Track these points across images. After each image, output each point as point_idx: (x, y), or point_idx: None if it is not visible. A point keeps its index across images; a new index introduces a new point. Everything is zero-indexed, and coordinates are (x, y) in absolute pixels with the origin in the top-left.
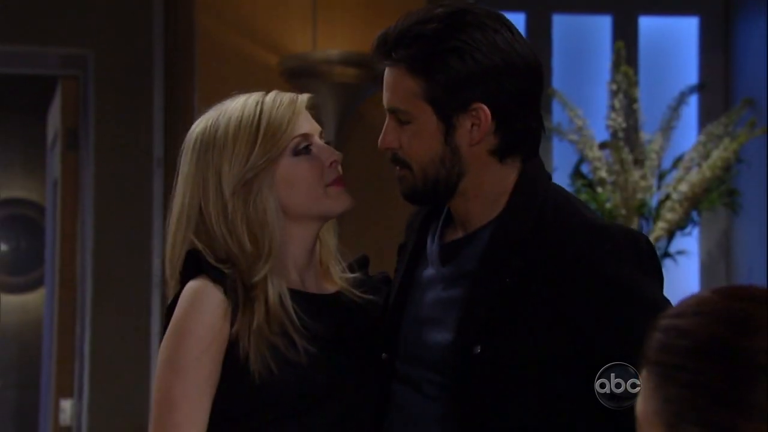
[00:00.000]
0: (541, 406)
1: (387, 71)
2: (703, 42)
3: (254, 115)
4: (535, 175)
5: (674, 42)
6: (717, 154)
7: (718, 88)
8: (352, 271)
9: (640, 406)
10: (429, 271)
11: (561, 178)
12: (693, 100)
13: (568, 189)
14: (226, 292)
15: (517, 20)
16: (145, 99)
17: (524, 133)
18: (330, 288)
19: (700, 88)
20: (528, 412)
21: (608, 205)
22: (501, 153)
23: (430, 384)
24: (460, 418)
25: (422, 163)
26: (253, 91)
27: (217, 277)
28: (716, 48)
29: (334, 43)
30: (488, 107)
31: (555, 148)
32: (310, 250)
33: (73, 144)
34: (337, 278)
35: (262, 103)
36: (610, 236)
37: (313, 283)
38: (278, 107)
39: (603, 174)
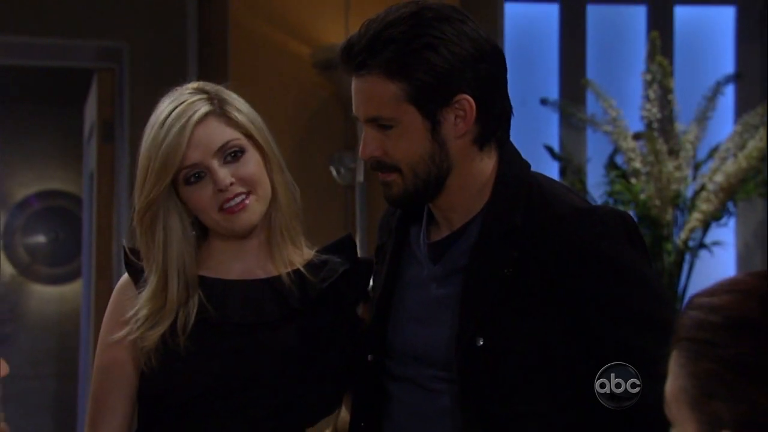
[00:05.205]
0: (546, 392)
1: (360, 82)
2: (740, 32)
3: (150, 144)
4: (514, 162)
5: (710, 32)
6: (753, 145)
7: (754, 78)
8: (326, 252)
9: (669, 384)
10: (418, 271)
11: (595, 168)
12: (729, 90)
13: (603, 180)
14: (137, 284)
15: (551, 11)
16: None
17: (501, 116)
18: (272, 271)
19: (737, 78)
20: (534, 399)
21: (642, 196)
22: (482, 140)
23: (434, 379)
24: (468, 410)
25: (411, 163)
26: (285, 82)
27: (132, 272)
28: (753, 38)
29: None
30: (471, 96)
31: (589, 138)
32: (241, 243)
33: (108, 136)
34: (283, 261)
35: (161, 127)
36: (600, 218)
37: (243, 269)
38: (167, 138)
39: (637, 165)
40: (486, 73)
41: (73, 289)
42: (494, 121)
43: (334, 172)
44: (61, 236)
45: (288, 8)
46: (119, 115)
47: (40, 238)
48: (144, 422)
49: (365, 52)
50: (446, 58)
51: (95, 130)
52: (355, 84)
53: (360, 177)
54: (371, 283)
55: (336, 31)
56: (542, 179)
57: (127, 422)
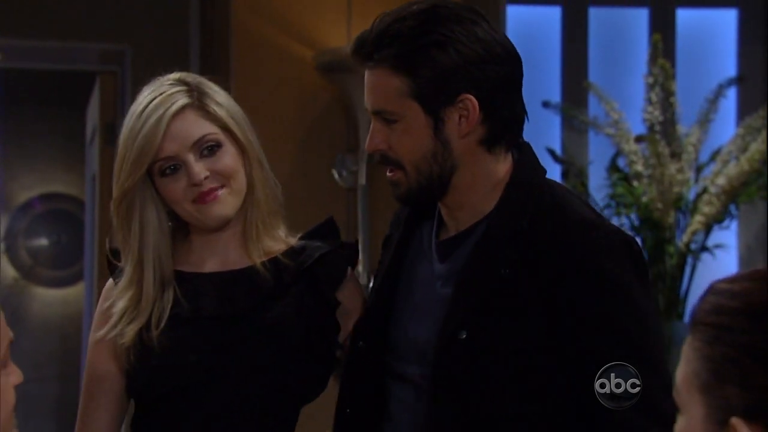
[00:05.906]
0: (519, 396)
1: (369, 74)
2: (742, 34)
3: (128, 134)
4: (529, 167)
5: (712, 34)
6: (755, 147)
7: (756, 81)
8: (308, 237)
9: (681, 369)
10: (427, 269)
11: (597, 171)
12: (731, 93)
13: (604, 183)
14: (115, 278)
15: (553, 13)
16: None
17: (511, 120)
18: (248, 262)
19: (739, 80)
20: (505, 401)
21: (644, 199)
22: (489, 143)
23: (424, 379)
24: (437, 402)
25: (414, 160)
26: (288, 85)
27: (114, 272)
28: (755, 40)
29: None
30: (475, 97)
31: (591, 141)
32: (216, 235)
33: (111, 139)
34: (257, 252)
35: (138, 118)
36: (606, 235)
37: (219, 261)
38: (143, 128)
39: (639, 167)
40: (494, 76)
41: (75, 291)
42: (501, 123)
43: (336, 175)
44: (63, 239)
45: (290, 11)
46: (121, 118)
47: (43, 241)
48: (137, 415)
49: (374, 45)
50: (452, 57)
51: (98, 133)
52: (365, 75)
53: (362, 180)
54: (358, 267)
55: (338, 34)
56: (556, 187)
57: (115, 419)
